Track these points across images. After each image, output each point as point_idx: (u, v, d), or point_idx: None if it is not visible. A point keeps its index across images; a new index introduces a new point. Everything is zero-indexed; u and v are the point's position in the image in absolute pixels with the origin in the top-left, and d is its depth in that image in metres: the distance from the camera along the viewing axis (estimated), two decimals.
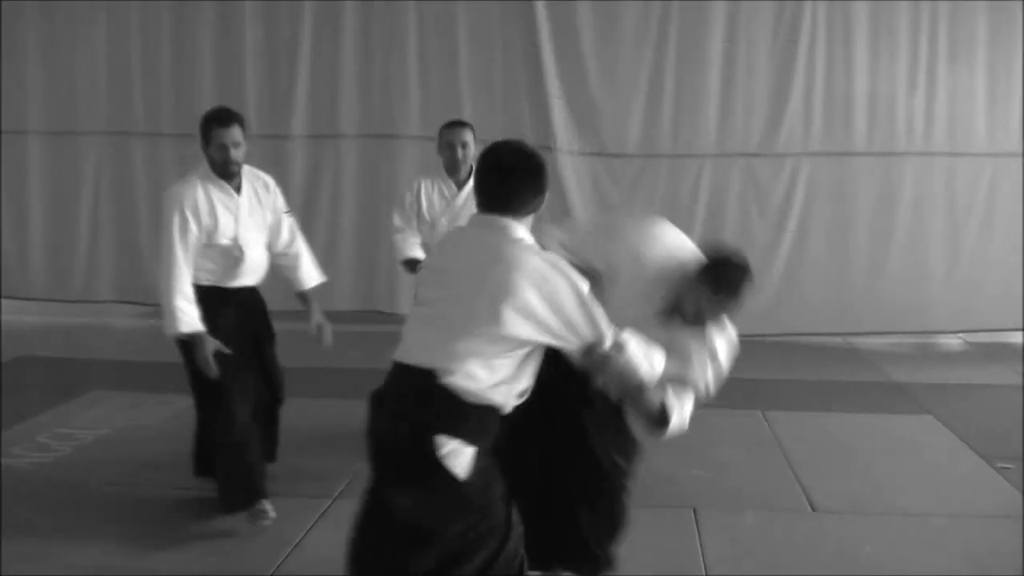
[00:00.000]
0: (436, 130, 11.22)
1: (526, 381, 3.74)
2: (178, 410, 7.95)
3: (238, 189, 6.03)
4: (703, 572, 5.36)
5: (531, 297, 3.56)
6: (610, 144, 11.36)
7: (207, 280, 5.92)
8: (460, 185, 7.27)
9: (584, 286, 3.66)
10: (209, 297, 5.88)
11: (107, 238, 11.81)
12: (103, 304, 11.95)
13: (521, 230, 3.87)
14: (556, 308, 3.59)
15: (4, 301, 11.79)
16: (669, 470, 7.01)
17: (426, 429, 3.58)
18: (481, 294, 3.58)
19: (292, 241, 6.40)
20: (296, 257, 6.43)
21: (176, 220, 5.77)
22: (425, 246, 7.11)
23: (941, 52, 11.21)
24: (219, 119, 5.95)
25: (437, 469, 3.57)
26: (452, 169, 7.30)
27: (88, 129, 11.68)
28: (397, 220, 7.36)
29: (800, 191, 11.33)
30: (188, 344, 5.81)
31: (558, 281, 3.62)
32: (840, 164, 11.29)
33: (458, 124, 7.43)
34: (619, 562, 4.83)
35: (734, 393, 9.06)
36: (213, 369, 5.75)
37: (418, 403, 3.62)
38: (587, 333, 3.64)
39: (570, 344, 3.65)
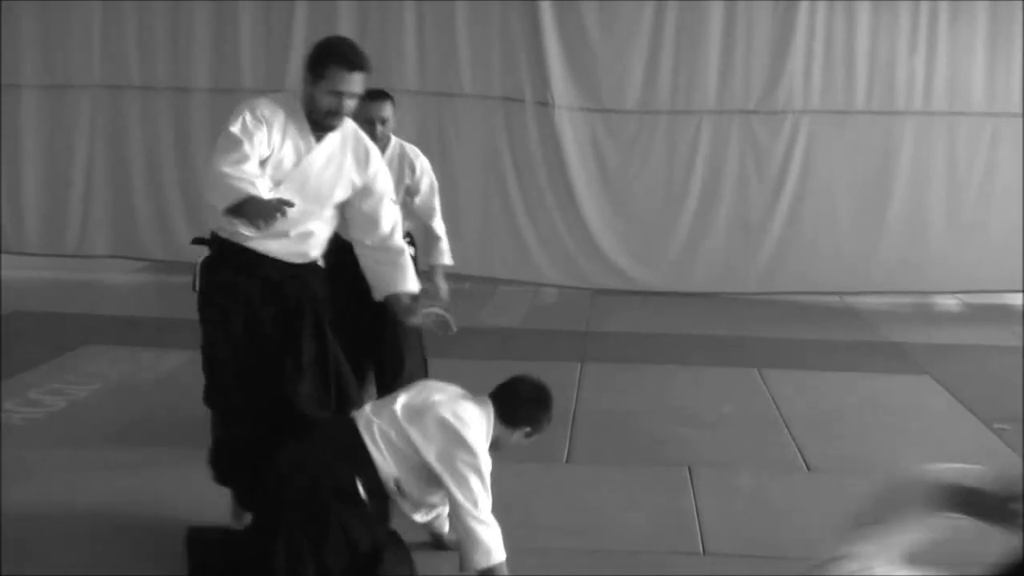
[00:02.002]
0: (433, 86, 11.34)
1: None
2: (172, 365, 7.94)
3: (320, 138, 4.82)
4: (698, 530, 5.33)
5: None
6: (608, 100, 11.30)
7: (239, 237, 4.70)
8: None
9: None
10: (239, 257, 4.80)
11: (102, 193, 11.77)
12: (97, 259, 11.90)
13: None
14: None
15: None
16: (664, 428, 7.01)
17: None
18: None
19: (391, 235, 5.02)
20: (396, 254, 5.06)
21: (245, 117, 4.64)
22: None
23: (942, 12, 11.15)
24: (345, 59, 4.76)
25: None
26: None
27: (82, 83, 11.60)
28: None
29: (799, 149, 11.29)
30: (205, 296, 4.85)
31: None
32: (840, 122, 11.25)
33: (380, 96, 6.27)
34: None
35: (731, 351, 9.17)
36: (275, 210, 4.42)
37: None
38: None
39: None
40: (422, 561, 4.70)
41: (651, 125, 11.34)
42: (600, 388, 8.01)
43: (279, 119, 4.70)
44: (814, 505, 5.78)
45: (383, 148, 6.06)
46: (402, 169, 6.40)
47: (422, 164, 6.51)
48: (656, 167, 11.40)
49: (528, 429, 4.64)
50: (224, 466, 5.02)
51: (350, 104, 4.78)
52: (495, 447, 4.53)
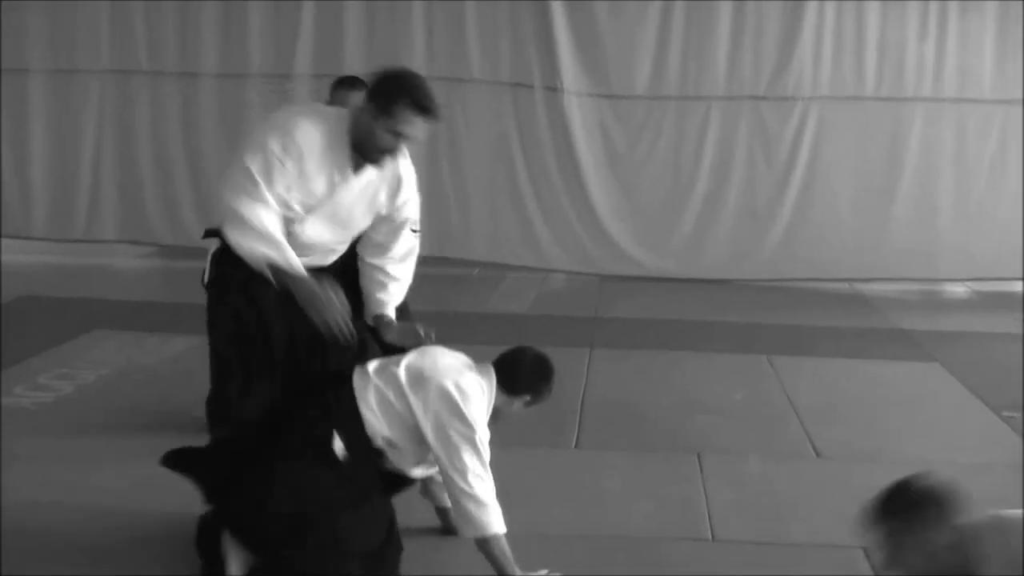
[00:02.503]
0: (442, 71, 11.30)
1: None
2: (179, 350, 7.94)
3: (358, 168, 4.53)
4: (707, 517, 5.32)
5: None
6: (617, 86, 11.28)
7: None
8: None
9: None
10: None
11: (109, 178, 11.76)
12: (105, 244, 11.90)
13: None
14: None
15: (6, 241, 11.74)
16: (673, 415, 7.00)
17: None
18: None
19: (399, 261, 4.85)
20: (394, 281, 4.87)
21: (268, 151, 4.34)
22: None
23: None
24: (419, 104, 4.42)
25: None
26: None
27: (89, 67, 11.59)
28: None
29: (809, 135, 11.26)
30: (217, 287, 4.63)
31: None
32: (849, 108, 11.20)
33: (353, 82, 5.99)
34: None
35: (740, 338, 9.16)
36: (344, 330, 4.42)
37: None
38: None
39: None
40: (432, 548, 4.71)
41: (660, 111, 11.32)
42: (609, 374, 8.00)
43: (315, 146, 4.37)
44: (823, 492, 5.78)
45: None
46: None
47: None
48: (665, 153, 11.37)
49: (528, 398, 4.64)
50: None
51: (404, 147, 4.53)
52: (496, 417, 4.53)
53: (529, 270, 11.57)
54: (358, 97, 5.61)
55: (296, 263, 4.33)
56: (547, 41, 11.15)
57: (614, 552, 4.90)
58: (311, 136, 4.38)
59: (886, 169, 11.29)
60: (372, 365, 4.48)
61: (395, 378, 4.39)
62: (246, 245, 4.31)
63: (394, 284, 4.80)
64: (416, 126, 4.40)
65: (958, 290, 11.76)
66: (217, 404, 4.80)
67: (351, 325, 4.36)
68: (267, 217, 4.29)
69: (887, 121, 11.23)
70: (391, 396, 4.36)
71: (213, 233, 4.57)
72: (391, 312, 4.81)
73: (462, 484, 4.29)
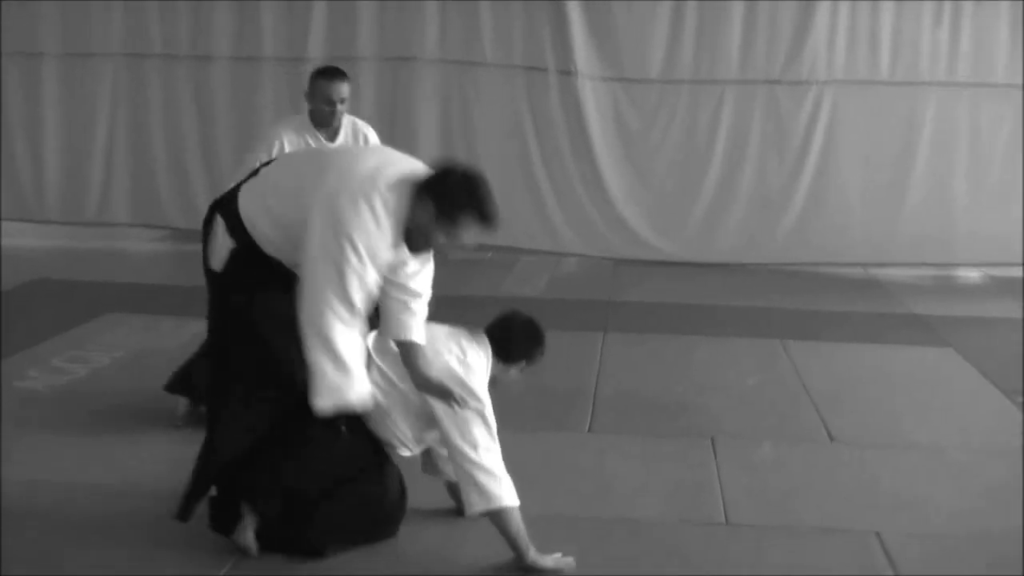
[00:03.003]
0: (455, 54, 11.29)
1: None
2: (193, 333, 7.92)
3: (333, 138, 6.12)
4: (720, 501, 5.32)
5: None
6: (631, 69, 11.25)
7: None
8: (331, 138, 6.26)
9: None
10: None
11: (122, 161, 11.77)
12: (118, 228, 11.91)
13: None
14: None
15: (20, 224, 11.77)
16: (687, 399, 6.99)
17: None
18: None
19: (417, 274, 4.83)
20: (410, 293, 5.06)
21: (252, 157, 5.74)
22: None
23: None
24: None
25: None
26: (325, 123, 6.19)
27: (103, 51, 11.59)
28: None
29: (823, 119, 11.22)
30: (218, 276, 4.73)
31: None
32: (863, 92, 11.17)
33: (339, 76, 6.23)
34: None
35: (754, 322, 9.14)
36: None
37: None
38: None
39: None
40: (443, 531, 4.72)
41: (674, 95, 11.29)
42: (622, 358, 8.00)
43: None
44: (837, 476, 5.78)
45: (338, 129, 6.24)
46: (356, 143, 6.40)
47: (374, 137, 6.45)
48: (678, 137, 11.35)
49: (524, 363, 4.75)
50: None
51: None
52: (493, 384, 4.58)
53: (542, 254, 11.56)
54: (340, 89, 6.10)
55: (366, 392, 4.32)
56: (560, 25, 11.13)
57: (627, 535, 4.90)
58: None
59: (900, 153, 11.25)
60: (371, 342, 4.50)
61: (398, 358, 4.44)
62: (333, 381, 4.19)
63: (415, 301, 4.52)
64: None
65: (972, 275, 11.73)
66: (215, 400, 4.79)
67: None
68: (358, 347, 4.26)
69: (901, 105, 11.19)
70: (394, 377, 4.39)
71: (219, 207, 4.60)
72: (416, 337, 4.48)
73: (474, 456, 4.33)
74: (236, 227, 4.43)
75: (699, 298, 10.10)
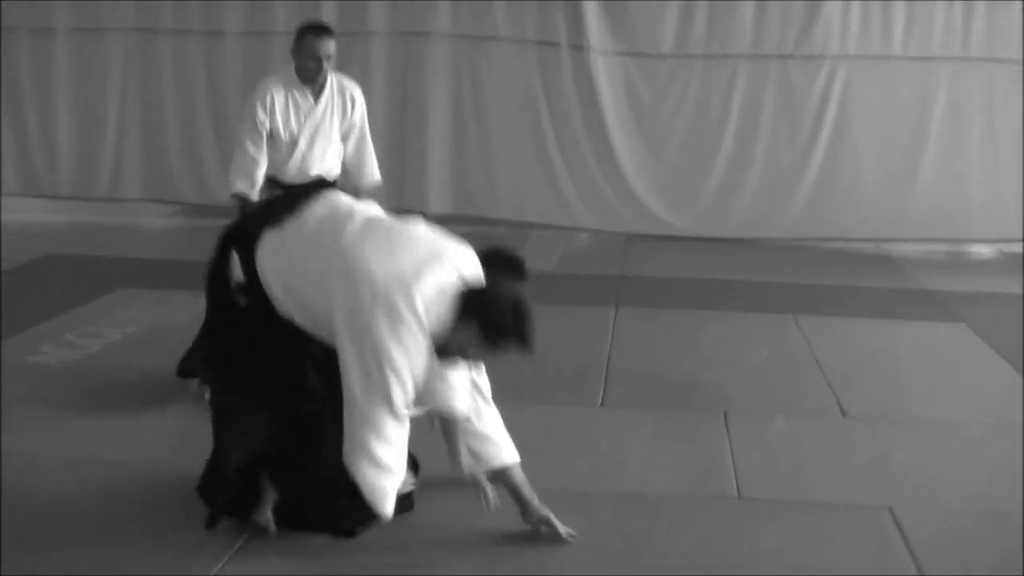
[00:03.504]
0: (467, 29, 11.26)
1: None
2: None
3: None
4: (733, 476, 5.32)
5: None
6: (643, 44, 11.22)
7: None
8: (317, 94, 6.44)
9: None
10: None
11: (134, 137, 11.76)
12: (130, 203, 11.91)
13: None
14: None
15: (32, 200, 11.78)
16: (699, 373, 6.99)
17: None
18: None
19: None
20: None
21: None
22: (278, 169, 6.48)
23: None
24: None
25: None
26: (310, 79, 6.35)
27: (114, 26, 11.57)
28: (250, 147, 6.37)
29: (836, 94, 11.18)
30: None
31: None
32: (876, 67, 11.12)
33: (326, 33, 6.34)
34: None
35: (766, 297, 9.13)
36: None
37: None
38: None
39: None
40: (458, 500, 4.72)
41: (686, 69, 11.26)
42: (635, 333, 8.00)
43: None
44: (849, 451, 5.77)
45: (323, 85, 6.43)
46: (344, 103, 6.56)
47: (360, 97, 6.66)
48: (691, 111, 11.32)
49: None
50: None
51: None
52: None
53: (554, 228, 11.54)
54: (327, 46, 6.28)
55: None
56: None
57: (640, 510, 4.90)
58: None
59: (913, 129, 11.21)
60: None
61: None
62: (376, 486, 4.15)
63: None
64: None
65: (985, 251, 11.68)
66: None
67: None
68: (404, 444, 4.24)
69: (915, 81, 11.14)
70: None
71: (234, 243, 4.48)
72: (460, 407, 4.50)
73: (468, 426, 4.41)
74: (252, 279, 4.32)
75: (711, 273, 10.08)
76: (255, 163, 6.34)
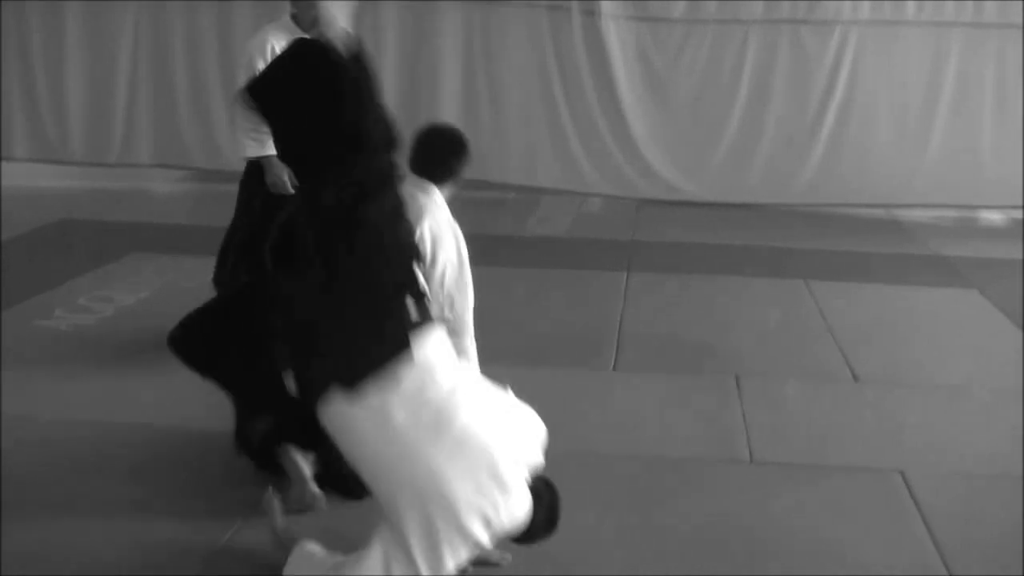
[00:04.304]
0: None
1: None
2: None
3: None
4: (745, 439, 5.34)
5: None
6: (655, 8, 11.19)
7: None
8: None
9: None
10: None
11: (145, 103, 11.74)
12: (141, 168, 11.92)
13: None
14: None
15: (43, 165, 11.79)
16: (711, 338, 7.01)
17: None
18: None
19: None
20: None
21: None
22: None
23: None
24: None
25: None
26: (311, 25, 5.86)
27: None
28: None
29: (847, 60, 11.13)
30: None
31: None
32: (889, 33, 11.08)
33: None
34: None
35: (777, 262, 9.14)
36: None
37: None
38: None
39: None
40: None
41: (698, 34, 11.23)
42: (646, 297, 8.01)
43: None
44: (861, 415, 5.80)
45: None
46: None
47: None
48: (703, 77, 11.29)
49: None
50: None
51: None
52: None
53: (566, 194, 11.54)
54: (323, 6, 5.71)
55: None
56: None
57: (653, 472, 4.93)
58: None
59: (925, 95, 11.16)
60: None
61: None
62: None
63: None
64: None
65: (995, 217, 11.67)
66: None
67: None
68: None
69: (927, 46, 11.09)
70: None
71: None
72: None
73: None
74: None
75: (722, 238, 10.07)
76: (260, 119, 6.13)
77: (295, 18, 6.29)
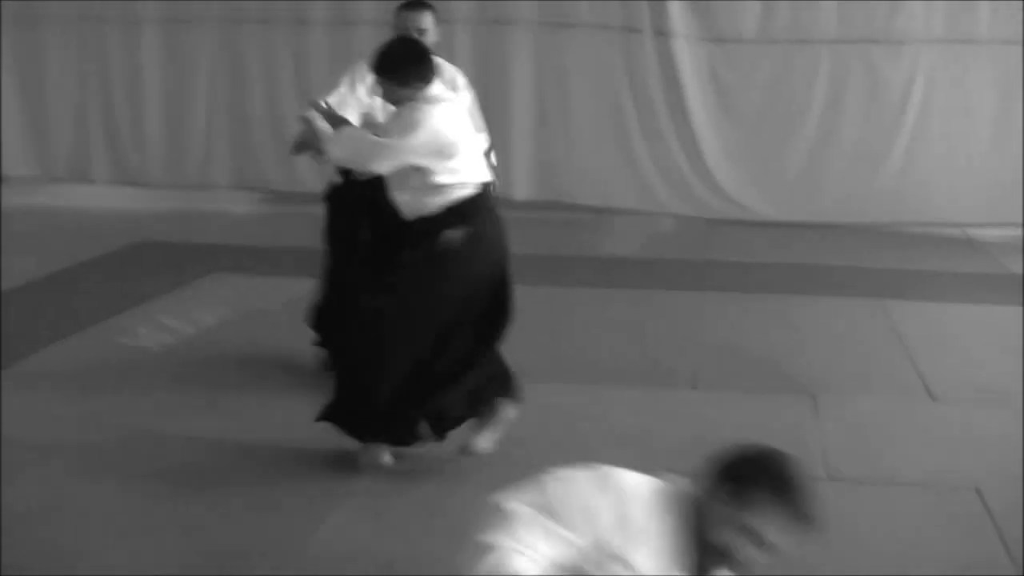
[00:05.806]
0: (550, 16, 11.31)
1: None
2: (298, 294, 8.06)
3: None
4: (821, 456, 5.36)
5: None
6: (727, 30, 11.21)
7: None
8: None
9: None
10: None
11: (222, 125, 11.93)
12: (219, 191, 12.07)
13: None
14: None
15: (123, 188, 11.98)
16: (787, 356, 7.03)
17: None
18: None
19: None
20: None
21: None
22: None
23: None
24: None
25: None
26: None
27: (202, 16, 11.74)
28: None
29: (920, 78, 11.10)
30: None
31: None
32: (961, 52, 11.04)
33: (421, 7, 6.05)
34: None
35: (852, 281, 9.12)
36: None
37: None
38: None
39: None
40: None
41: (769, 55, 11.24)
42: (722, 316, 8.03)
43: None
44: (937, 433, 5.80)
45: None
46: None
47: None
48: (774, 98, 11.30)
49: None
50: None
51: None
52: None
53: (638, 214, 11.56)
54: (422, 18, 5.99)
55: None
56: None
57: None
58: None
59: (998, 113, 11.10)
60: None
61: None
62: None
63: None
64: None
65: None
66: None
67: None
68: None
69: (1000, 64, 11.04)
70: None
71: None
72: None
73: None
74: None
75: (795, 258, 10.07)
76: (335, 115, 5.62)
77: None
